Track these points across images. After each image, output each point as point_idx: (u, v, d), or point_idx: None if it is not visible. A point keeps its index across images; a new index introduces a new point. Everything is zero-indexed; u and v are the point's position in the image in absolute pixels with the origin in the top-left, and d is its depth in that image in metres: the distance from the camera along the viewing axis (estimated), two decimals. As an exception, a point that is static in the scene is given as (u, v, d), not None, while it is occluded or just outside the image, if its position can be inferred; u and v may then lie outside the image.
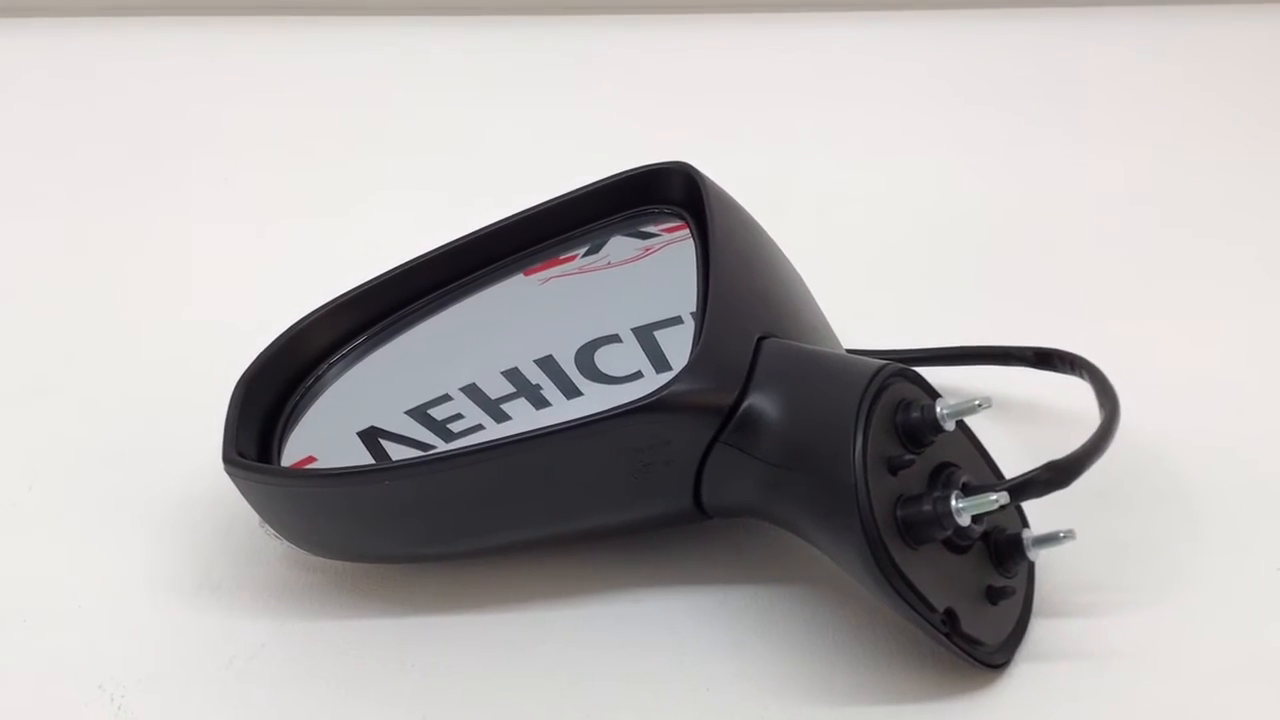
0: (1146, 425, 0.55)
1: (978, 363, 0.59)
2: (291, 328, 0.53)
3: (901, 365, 0.46)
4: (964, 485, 0.45)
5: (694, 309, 0.52)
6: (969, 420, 0.48)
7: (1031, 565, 0.47)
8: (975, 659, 0.44)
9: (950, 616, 0.44)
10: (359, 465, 0.47)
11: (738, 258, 0.51)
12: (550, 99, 0.86)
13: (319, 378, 0.53)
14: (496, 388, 0.52)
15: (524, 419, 0.51)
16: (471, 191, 0.77)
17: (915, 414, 0.44)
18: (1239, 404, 0.60)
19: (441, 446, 0.51)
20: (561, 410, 0.51)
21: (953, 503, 0.43)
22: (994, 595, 0.46)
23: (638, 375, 0.52)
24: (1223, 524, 0.53)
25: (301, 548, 0.50)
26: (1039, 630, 0.48)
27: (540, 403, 0.51)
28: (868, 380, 0.44)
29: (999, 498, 0.43)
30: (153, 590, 0.51)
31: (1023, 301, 0.68)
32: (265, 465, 0.49)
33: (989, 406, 0.45)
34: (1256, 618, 0.49)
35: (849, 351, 0.56)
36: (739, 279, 0.50)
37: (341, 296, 0.54)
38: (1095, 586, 0.49)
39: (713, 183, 0.55)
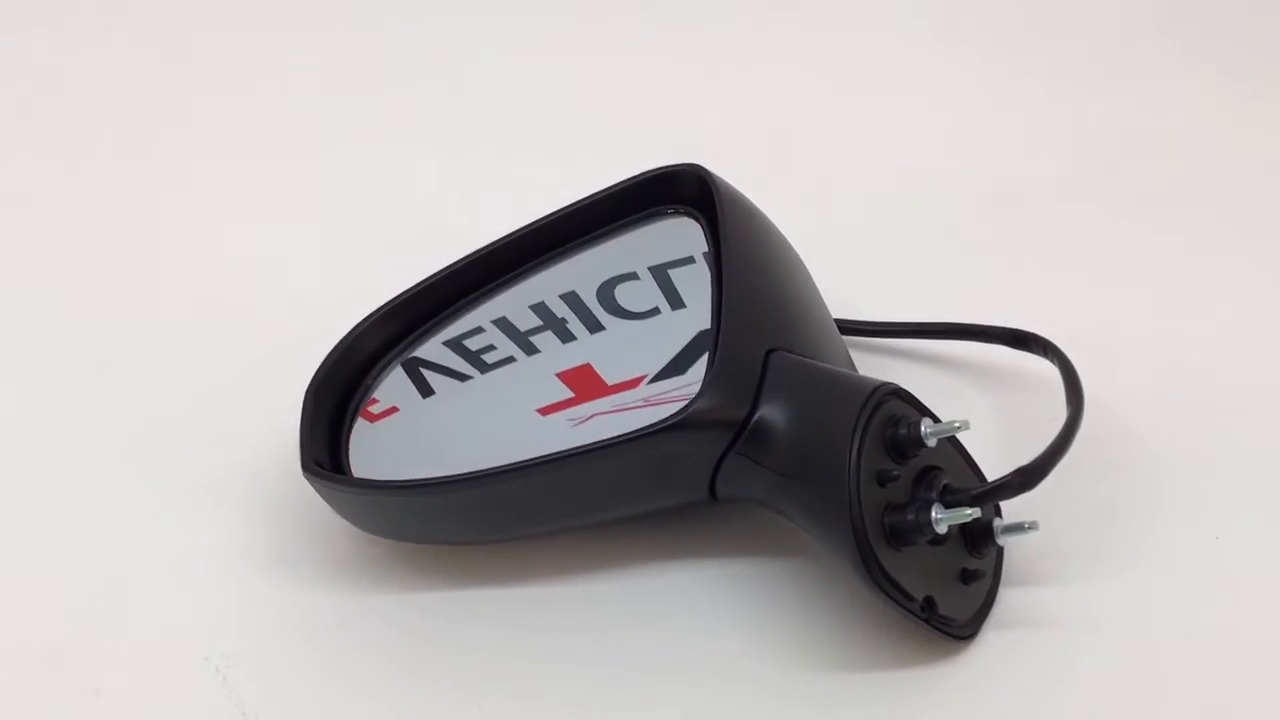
0: (1113, 390, 0.61)
1: (957, 338, 0.65)
2: (348, 335, 0.59)
3: (895, 385, 0.52)
4: (944, 487, 0.52)
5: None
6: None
7: (1000, 550, 0.54)
8: (947, 634, 0.52)
9: (929, 602, 0.51)
10: (423, 478, 0.54)
11: (748, 267, 0.56)
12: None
13: (376, 376, 0.59)
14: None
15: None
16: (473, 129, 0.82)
17: (903, 431, 0.51)
18: (1195, 367, 0.65)
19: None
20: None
21: (933, 514, 0.50)
22: (967, 577, 0.53)
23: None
24: (1174, 492, 0.59)
25: (368, 532, 0.57)
26: (1004, 598, 0.55)
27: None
28: (863, 401, 0.50)
29: (973, 511, 0.50)
30: (237, 565, 0.58)
31: (996, 261, 0.73)
32: (339, 476, 0.56)
33: (967, 429, 0.52)
34: (1197, 588, 0.55)
35: (838, 323, 0.62)
36: (750, 291, 0.55)
37: (384, 306, 0.60)
38: (1057, 555, 0.56)
39: (725, 184, 0.60)
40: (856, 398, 0.51)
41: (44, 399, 0.67)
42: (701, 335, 0.57)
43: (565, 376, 0.57)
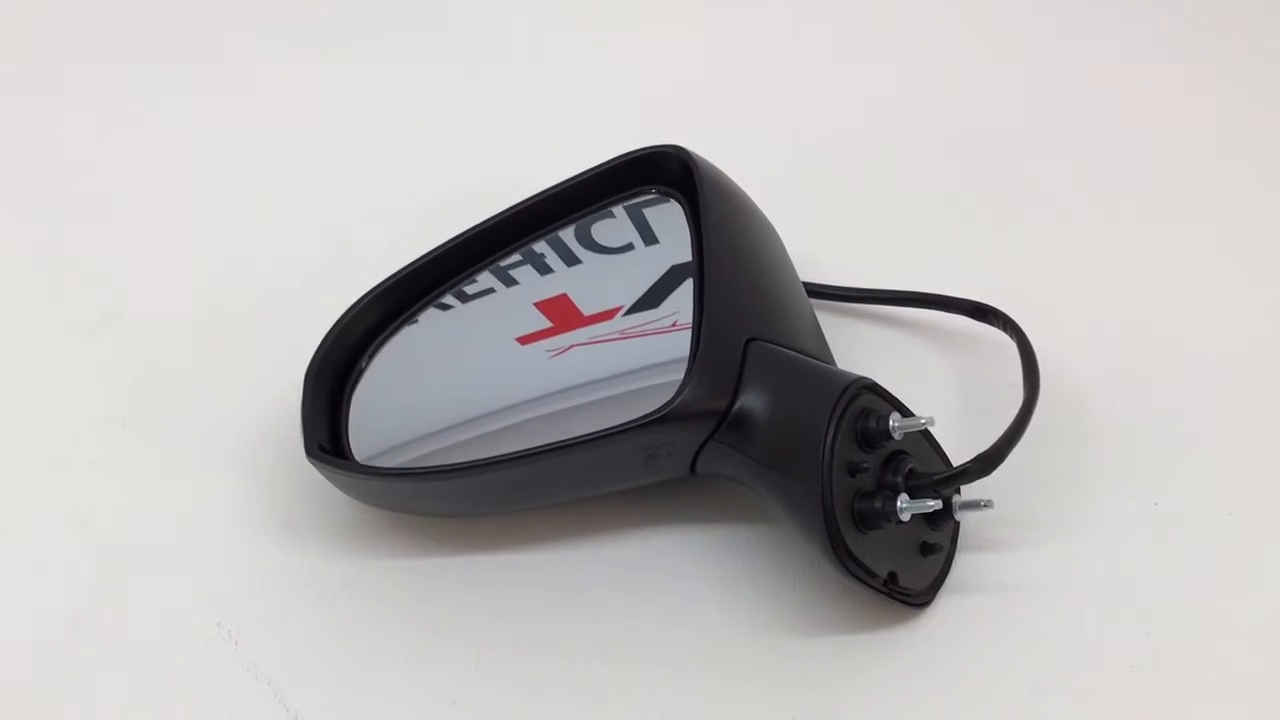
0: (1066, 355, 0.63)
1: (920, 306, 0.68)
2: (342, 317, 0.61)
3: (867, 380, 0.55)
4: (909, 471, 0.55)
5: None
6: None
7: (957, 524, 0.58)
8: (906, 603, 0.55)
9: (891, 577, 0.55)
10: (424, 466, 0.56)
11: (730, 256, 0.58)
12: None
13: (370, 357, 0.61)
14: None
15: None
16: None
17: (872, 424, 0.54)
18: (1150, 334, 0.67)
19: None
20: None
21: (898, 503, 0.53)
22: (926, 549, 0.56)
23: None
24: (1119, 460, 0.61)
25: (370, 505, 0.60)
26: (957, 564, 0.58)
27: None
28: (837, 397, 0.53)
29: (935, 503, 0.54)
30: (245, 530, 0.60)
31: (959, 223, 0.73)
32: (342, 461, 0.58)
33: (932, 425, 0.55)
34: (1138, 555, 0.58)
35: (806, 286, 0.64)
36: (731, 281, 0.57)
37: (376, 287, 0.61)
38: (1006, 523, 0.58)
39: (707, 165, 0.61)
40: (831, 393, 0.53)
41: (39, 359, 0.68)
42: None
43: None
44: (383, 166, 0.79)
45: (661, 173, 0.62)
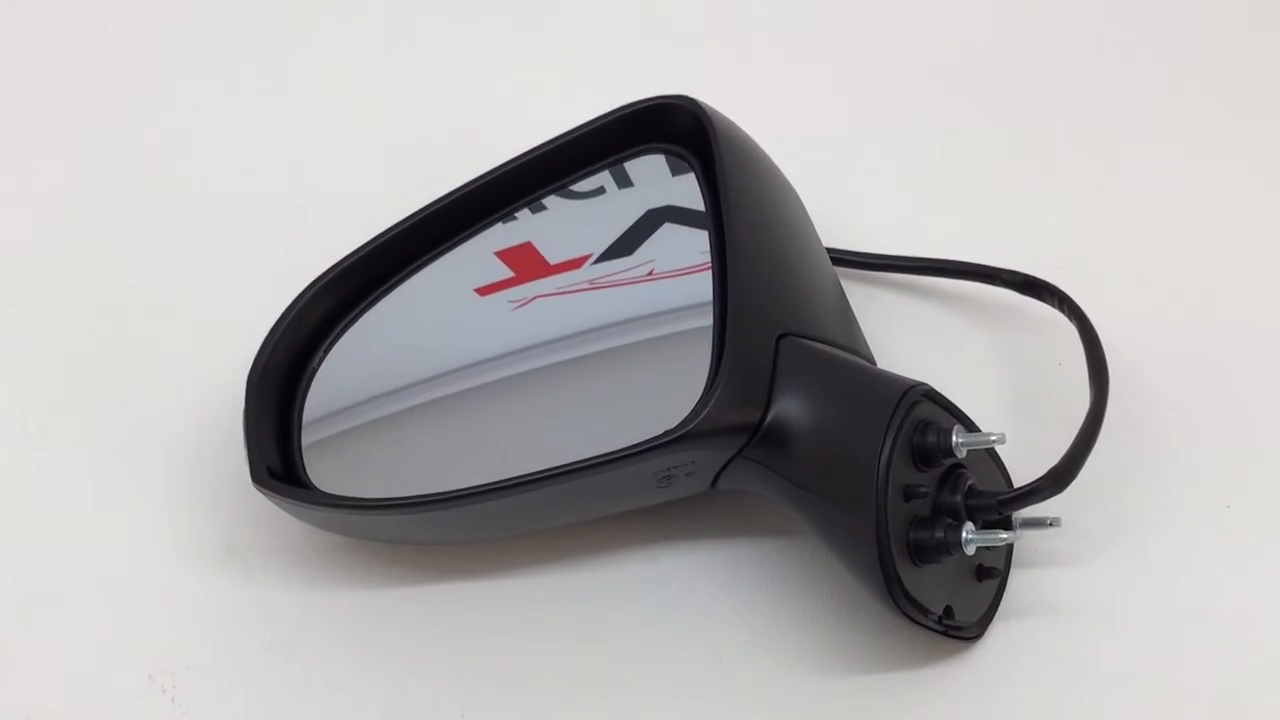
0: (1121, 335, 0.56)
1: (960, 278, 0.61)
2: (288, 310, 0.53)
3: (926, 386, 0.48)
4: (969, 489, 0.48)
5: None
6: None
7: (1011, 546, 0.52)
8: (959, 638, 0.49)
9: (947, 612, 0.49)
10: (401, 497, 0.49)
11: (755, 229, 0.51)
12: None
13: (324, 353, 0.54)
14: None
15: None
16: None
17: (931, 438, 0.47)
18: (1211, 311, 0.61)
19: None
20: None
21: (964, 534, 0.47)
22: (981, 574, 0.50)
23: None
24: (1185, 457, 0.55)
25: (335, 533, 0.52)
26: (1013, 578, 0.52)
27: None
28: (892, 409, 0.46)
29: (1009, 535, 0.47)
30: (180, 560, 0.53)
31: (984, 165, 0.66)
32: (300, 491, 0.50)
33: (1003, 443, 0.48)
34: (1209, 567, 0.52)
35: (830, 253, 0.57)
36: (758, 264, 0.50)
37: (328, 272, 0.54)
38: (1062, 532, 0.51)
39: (723, 121, 0.54)
40: (884, 403, 0.47)
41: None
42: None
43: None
44: (338, 113, 0.70)
45: (668, 128, 0.55)
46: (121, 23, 0.75)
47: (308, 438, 0.52)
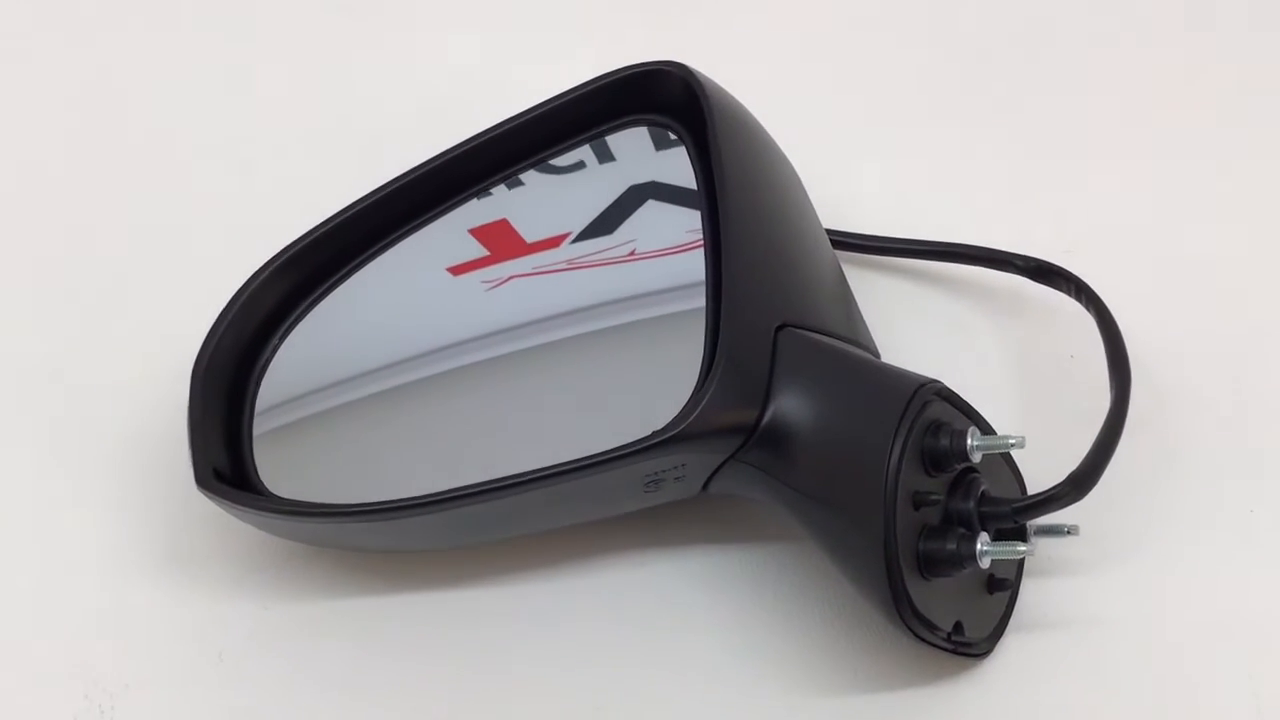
0: (1138, 326, 0.53)
1: (969, 263, 0.57)
2: (237, 295, 0.49)
3: (939, 384, 0.45)
4: (982, 495, 0.45)
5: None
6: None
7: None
8: (968, 655, 0.46)
9: (956, 628, 0.45)
10: (361, 503, 0.46)
11: (752, 209, 0.48)
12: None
13: (279, 341, 0.50)
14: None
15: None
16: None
17: (945, 441, 0.44)
18: (1236, 304, 0.57)
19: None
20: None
21: (978, 546, 0.44)
22: (993, 585, 0.47)
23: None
24: (1205, 457, 0.52)
25: (291, 540, 0.49)
26: (1024, 588, 0.49)
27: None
28: (903, 407, 0.43)
29: (1026, 547, 0.44)
30: (119, 565, 0.50)
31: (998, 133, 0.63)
32: (250, 494, 0.47)
33: (1022, 446, 0.44)
34: (1231, 575, 0.49)
35: (830, 235, 0.54)
36: (755, 243, 0.47)
37: (279, 256, 0.50)
38: (1077, 538, 0.48)
39: (716, 90, 0.51)
40: (893, 403, 0.43)
41: None
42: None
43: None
44: (296, 79, 0.67)
45: (657, 98, 0.51)
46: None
47: (259, 435, 0.49)
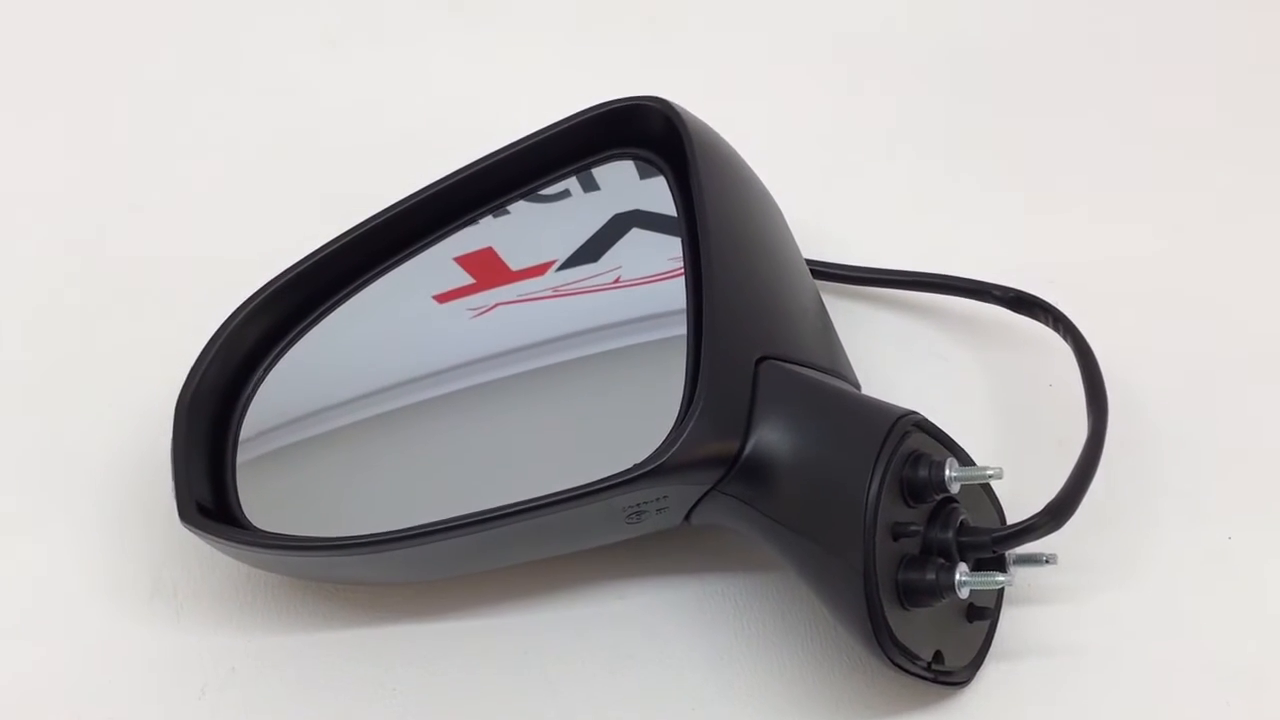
0: (1116, 354, 0.53)
1: (948, 293, 0.58)
2: (220, 330, 0.49)
3: (917, 415, 0.45)
4: (961, 525, 0.45)
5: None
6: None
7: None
8: (948, 684, 0.46)
9: (936, 657, 0.45)
10: (345, 537, 0.45)
11: (733, 241, 0.48)
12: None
13: (262, 376, 0.50)
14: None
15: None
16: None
17: (923, 472, 0.44)
18: (1212, 332, 0.58)
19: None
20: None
21: (957, 576, 0.44)
22: (973, 615, 0.47)
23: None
24: (1184, 485, 0.53)
25: (274, 574, 0.49)
26: (1004, 617, 0.49)
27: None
28: (881, 439, 0.43)
29: (1005, 578, 0.44)
30: (104, 599, 0.50)
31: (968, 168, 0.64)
32: (234, 529, 0.47)
33: (1000, 478, 0.45)
34: (1210, 603, 0.49)
35: (810, 265, 0.54)
36: (736, 275, 0.47)
37: (262, 291, 0.50)
38: (1055, 567, 0.48)
39: (697, 124, 0.51)
40: (872, 435, 0.43)
41: None
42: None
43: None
44: (282, 115, 0.67)
45: (639, 132, 0.52)
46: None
47: (243, 468, 0.48)
